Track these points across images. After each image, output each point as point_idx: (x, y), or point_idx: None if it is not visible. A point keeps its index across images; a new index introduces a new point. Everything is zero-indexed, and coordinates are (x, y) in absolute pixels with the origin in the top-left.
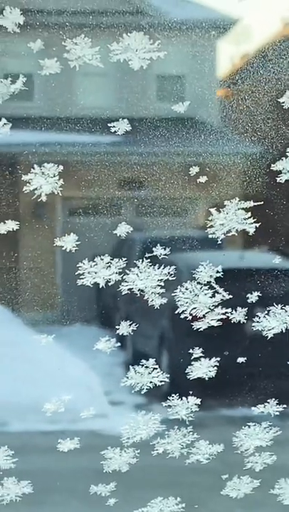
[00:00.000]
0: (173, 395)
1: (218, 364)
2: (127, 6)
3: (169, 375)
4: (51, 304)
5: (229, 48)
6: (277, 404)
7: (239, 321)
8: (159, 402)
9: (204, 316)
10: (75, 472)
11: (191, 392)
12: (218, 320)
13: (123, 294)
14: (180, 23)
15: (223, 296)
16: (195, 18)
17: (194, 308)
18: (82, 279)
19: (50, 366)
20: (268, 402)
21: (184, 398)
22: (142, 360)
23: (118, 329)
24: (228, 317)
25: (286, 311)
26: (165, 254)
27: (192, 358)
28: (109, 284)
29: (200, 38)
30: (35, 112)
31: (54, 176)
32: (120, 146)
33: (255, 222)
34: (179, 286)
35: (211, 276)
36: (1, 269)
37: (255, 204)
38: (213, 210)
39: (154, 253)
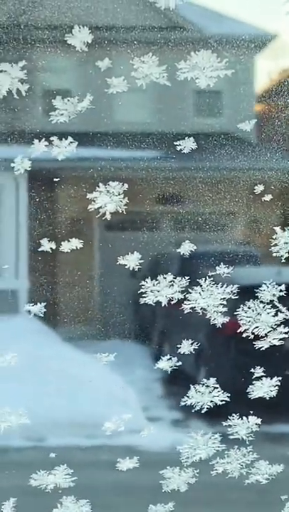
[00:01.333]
0: (233, 414)
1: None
2: (163, 22)
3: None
4: (89, 318)
5: (268, 62)
6: None
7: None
8: (197, 418)
9: (266, 335)
10: (111, 487)
11: (251, 412)
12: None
13: (162, 308)
14: (218, 38)
15: (286, 315)
16: (233, 33)
17: (256, 327)
18: (145, 297)
19: (87, 381)
20: None
21: (244, 418)
22: (181, 376)
23: (180, 348)
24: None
25: None
26: (228, 273)
27: (253, 377)
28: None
29: (239, 52)
30: (74, 127)
31: (119, 194)
32: (159, 161)
33: None
34: (241, 306)
35: (273, 295)
36: (43, 285)
37: None
38: (277, 229)
39: (211, 272)
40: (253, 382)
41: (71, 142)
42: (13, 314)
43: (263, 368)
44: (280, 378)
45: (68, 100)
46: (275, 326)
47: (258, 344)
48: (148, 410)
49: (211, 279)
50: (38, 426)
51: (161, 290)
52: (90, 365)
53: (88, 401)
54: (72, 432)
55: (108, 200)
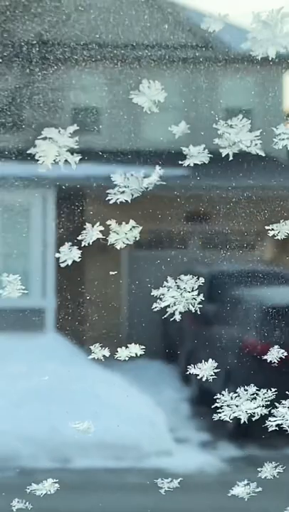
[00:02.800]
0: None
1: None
2: (194, 40)
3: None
4: (116, 337)
5: None
6: None
7: None
8: (225, 439)
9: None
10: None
11: None
12: None
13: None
14: (247, 56)
15: None
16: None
17: None
18: (220, 413)
19: (114, 402)
20: None
21: None
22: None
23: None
24: None
25: None
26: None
27: None
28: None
29: (268, 70)
30: (101, 145)
31: (192, 291)
32: (188, 180)
33: None
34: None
35: None
36: (67, 302)
37: None
38: None
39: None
40: None
41: (134, 227)
42: (41, 333)
43: None
44: None
45: (132, 175)
46: None
47: None
48: (175, 431)
49: None
50: (65, 447)
51: (240, 405)
52: (117, 385)
53: (116, 422)
54: (99, 453)
55: (179, 297)
